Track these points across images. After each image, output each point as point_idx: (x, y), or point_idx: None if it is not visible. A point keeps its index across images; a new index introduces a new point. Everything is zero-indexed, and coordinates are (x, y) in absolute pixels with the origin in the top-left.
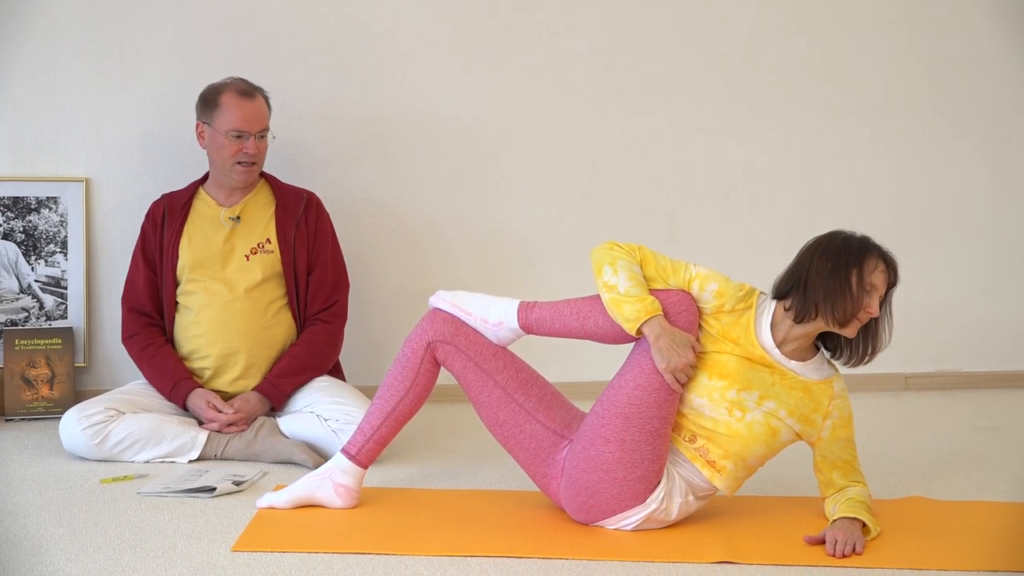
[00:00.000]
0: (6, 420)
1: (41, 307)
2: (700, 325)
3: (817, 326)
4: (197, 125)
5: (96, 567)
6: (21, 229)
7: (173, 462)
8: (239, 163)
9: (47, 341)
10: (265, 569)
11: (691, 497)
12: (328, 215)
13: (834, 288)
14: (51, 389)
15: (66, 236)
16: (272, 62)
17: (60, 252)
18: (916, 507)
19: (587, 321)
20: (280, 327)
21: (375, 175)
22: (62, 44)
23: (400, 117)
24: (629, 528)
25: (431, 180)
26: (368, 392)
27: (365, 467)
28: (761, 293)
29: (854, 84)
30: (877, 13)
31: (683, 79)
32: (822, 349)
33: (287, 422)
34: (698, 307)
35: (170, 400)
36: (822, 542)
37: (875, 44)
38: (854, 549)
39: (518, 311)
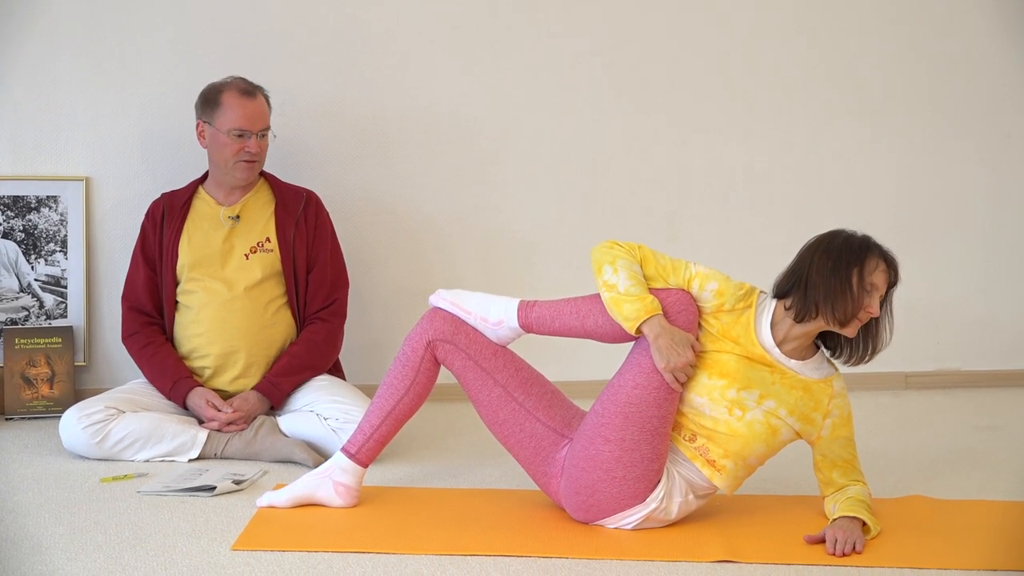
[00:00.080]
0: (6, 419)
1: (41, 306)
2: (700, 324)
3: (817, 325)
4: (197, 124)
5: (96, 566)
6: (21, 228)
7: (173, 461)
8: (241, 160)
9: (47, 340)
10: (265, 568)
11: (691, 496)
12: (328, 214)
13: (835, 287)
14: (51, 388)
15: (66, 235)
16: (272, 62)
17: (60, 251)
18: (916, 506)
19: (587, 320)
20: (280, 326)
21: (375, 174)
22: (62, 44)
23: (400, 116)
24: (629, 527)
25: (431, 179)
26: (368, 391)
27: (365, 466)
28: (761, 292)
29: (854, 84)
30: (877, 13)
31: (683, 79)
32: (822, 348)
33: (287, 421)
34: (698, 306)
35: (170, 399)
36: (822, 541)
37: (875, 44)
38: (854, 548)
39: (518, 310)
